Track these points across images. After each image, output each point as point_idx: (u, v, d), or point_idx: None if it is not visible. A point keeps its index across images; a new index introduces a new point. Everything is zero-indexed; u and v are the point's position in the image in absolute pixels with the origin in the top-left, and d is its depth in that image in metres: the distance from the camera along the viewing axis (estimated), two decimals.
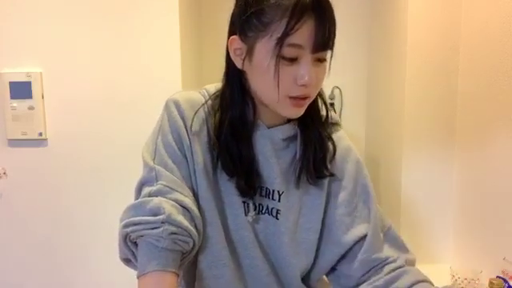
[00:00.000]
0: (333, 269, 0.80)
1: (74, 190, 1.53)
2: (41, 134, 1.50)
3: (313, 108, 0.76)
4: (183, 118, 0.73)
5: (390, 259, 0.75)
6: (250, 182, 0.73)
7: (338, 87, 1.96)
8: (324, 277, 0.83)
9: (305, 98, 0.69)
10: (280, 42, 0.62)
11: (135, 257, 0.69)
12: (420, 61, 1.46)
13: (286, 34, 0.62)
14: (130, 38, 1.46)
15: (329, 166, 0.78)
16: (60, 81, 1.49)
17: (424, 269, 0.75)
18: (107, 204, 1.51)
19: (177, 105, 0.75)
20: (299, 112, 0.71)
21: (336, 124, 0.83)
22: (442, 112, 1.48)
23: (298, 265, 0.76)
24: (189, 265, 0.75)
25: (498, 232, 1.26)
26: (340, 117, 2.01)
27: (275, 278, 0.77)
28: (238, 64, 0.71)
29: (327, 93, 2.00)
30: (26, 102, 1.48)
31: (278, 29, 0.63)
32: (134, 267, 0.70)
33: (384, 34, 1.74)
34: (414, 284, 0.70)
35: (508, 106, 1.21)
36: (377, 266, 0.75)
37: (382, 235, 0.77)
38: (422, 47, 1.45)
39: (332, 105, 1.98)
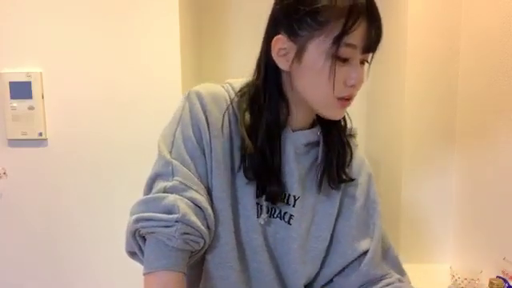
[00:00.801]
0: (330, 280, 0.80)
1: (74, 190, 1.53)
2: (41, 134, 1.50)
3: None
4: (205, 112, 0.71)
5: (387, 275, 0.77)
6: (280, 188, 0.73)
7: None
8: None
9: (349, 99, 0.70)
10: (337, 41, 0.63)
11: (142, 251, 0.68)
12: (420, 61, 1.46)
13: (344, 33, 0.63)
14: (130, 38, 1.46)
15: (347, 171, 0.79)
16: (60, 81, 1.49)
17: (424, 269, 0.76)
18: (107, 204, 1.51)
19: (200, 97, 0.72)
20: (343, 113, 0.72)
21: (353, 136, 0.84)
22: (442, 112, 1.48)
23: (303, 273, 0.76)
24: (194, 263, 0.74)
25: (497, 232, 1.26)
26: None
27: (280, 283, 0.76)
28: (283, 65, 0.69)
29: None
30: (26, 102, 1.48)
31: (335, 29, 0.63)
32: (139, 261, 0.69)
33: (384, 34, 1.74)
34: None
35: (508, 106, 1.21)
36: (373, 280, 0.76)
37: (381, 252, 0.79)
38: (422, 47, 1.45)
39: None
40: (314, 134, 0.77)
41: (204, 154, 0.70)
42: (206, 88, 0.74)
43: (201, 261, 0.74)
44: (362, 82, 0.69)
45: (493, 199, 1.28)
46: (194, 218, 0.65)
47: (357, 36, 0.64)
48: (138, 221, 0.65)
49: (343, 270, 0.78)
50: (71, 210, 1.54)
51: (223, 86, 0.76)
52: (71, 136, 1.51)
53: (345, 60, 0.65)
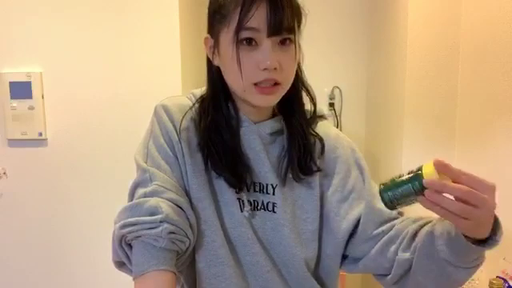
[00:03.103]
0: (344, 256, 0.79)
1: (74, 190, 1.53)
2: (41, 134, 1.50)
3: (296, 103, 0.77)
4: (173, 122, 0.75)
5: (394, 225, 0.75)
6: (237, 175, 0.74)
7: (338, 87, 1.97)
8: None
9: (273, 86, 0.69)
10: (237, 28, 0.65)
11: (129, 260, 0.68)
12: (420, 61, 1.46)
13: (241, 20, 0.65)
14: (130, 38, 1.46)
15: (317, 162, 0.78)
16: (60, 81, 1.49)
17: None
18: (107, 204, 1.51)
19: (166, 109, 0.76)
20: (269, 100, 0.72)
21: (322, 117, 0.84)
22: (442, 112, 1.48)
23: (302, 255, 0.76)
24: (188, 266, 0.74)
25: None
26: (340, 117, 2.01)
27: (277, 274, 0.76)
28: (214, 60, 0.73)
29: (327, 93, 2.00)
30: (26, 102, 1.48)
31: (234, 17, 0.66)
32: (127, 271, 0.70)
33: (384, 33, 1.74)
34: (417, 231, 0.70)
35: (508, 105, 1.21)
36: (381, 239, 0.74)
37: (381, 206, 0.74)
38: (422, 47, 1.45)
39: (332, 105, 1.98)
40: (278, 123, 0.78)
41: (177, 159, 0.74)
42: (171, 100, 0.79)
43: (193, 262, 0.75)
44: (282, 65, 0.69)
45: None
46: (177, 218, 0.67)
47: (256, 19, 0.65)
48: (123, 227, 0.66)
49: (350, 240, 0.77)
50: (71, 209, 1.54)
51: (187, 96, 0.81)
52: (71, 136, 1.51)
53: (251, 44, 0.67)
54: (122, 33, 1.46)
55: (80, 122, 1.50)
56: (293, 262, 0.76)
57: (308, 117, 0.80)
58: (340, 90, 1.96)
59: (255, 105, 0.73)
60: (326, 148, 0.80)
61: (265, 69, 0.67)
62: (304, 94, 0.80)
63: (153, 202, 0.67)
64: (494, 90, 1.27)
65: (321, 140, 0.80)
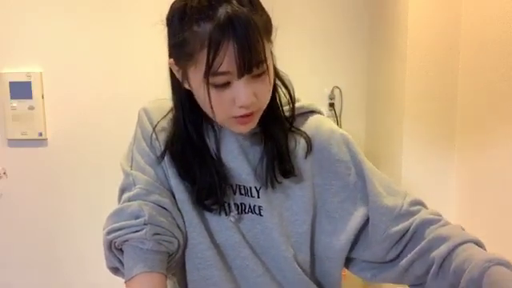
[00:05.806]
0: (350, 259, 0.76)
1: (74, 190, 1.53)
2: (41, 134, 1.50)
3: (271, 104, 0.72)
4: (152, 124, 0.75)
5: (410, 228, 0.72)
6: (214, 198, 0.71)
7: (338, 87, 1.96)
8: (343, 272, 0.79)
9: (250, 115, 0.66)
10: (206, 73, 0.61)
11: (122, 264, 0.68)
12: (420, 61, 1.46)
13: (209, 65, 0.60)
14: (130, 38, 1.46)
15: (302, 163, 0.74)
16: (60, 81, 1.49)
17: None
18: (107, 204, 1.50)
19: (146, 113, 0.77)
20: (248, 127, 0.69)
21: (313, 112, 0.79)
22: (442, 112, 1.48)
23: (294, 259, 0.73)
24: (180, 268, 0.74)
25: (498, 232, 1.26)
26: (340, 117, 2.01)
27: (270, 278, 0.74)
28: (183, 83, 0.70)
29: (327, 93, 2.00)
30: (26, 102, 1.48)
31: (201, 59, 0.61)
32: (123, 276, 0.69)
33: (384, 33, 1.74)
34: (451, 251, 0.68)
35: (508, 106, 1.21)
36: (399, 240, 0.71)
37: (388, 202, 0.73)
38: (422, 47, 1.45)
39: (332, 105, 1.98)
40: (256, 125, 0.73)
41: (160, 162, 0.73)
42: (152, 103, 0.79)
43: (183, 266, 0.74)
44: (257, 97, 0.65)
45: (493, 199, 1.28)
46: (161, 219, 0.67)
47: (226, 62, 0.60)
48: (109, 233, 0.67)
49: (356, 243, 0.74)
50: (71, 209, 1.54)
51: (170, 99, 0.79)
52: (71, 136, 1.51)
53: (225, 84, 0.62)
54: (122, 33, 1.46)
55: (80, 121, 1.50)
56: (286, 266, 0.73)
57: (289, 114, 0.75)
58: (340, 90, 1.96)
59: (236, 132, 0.70)
60: (318, 145, 0.75)
61: (241, 106, 0.64)
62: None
63: (136, 205, 0.67)
64: (494, 90, 1.27)
65: (307, 138, 0.75)
